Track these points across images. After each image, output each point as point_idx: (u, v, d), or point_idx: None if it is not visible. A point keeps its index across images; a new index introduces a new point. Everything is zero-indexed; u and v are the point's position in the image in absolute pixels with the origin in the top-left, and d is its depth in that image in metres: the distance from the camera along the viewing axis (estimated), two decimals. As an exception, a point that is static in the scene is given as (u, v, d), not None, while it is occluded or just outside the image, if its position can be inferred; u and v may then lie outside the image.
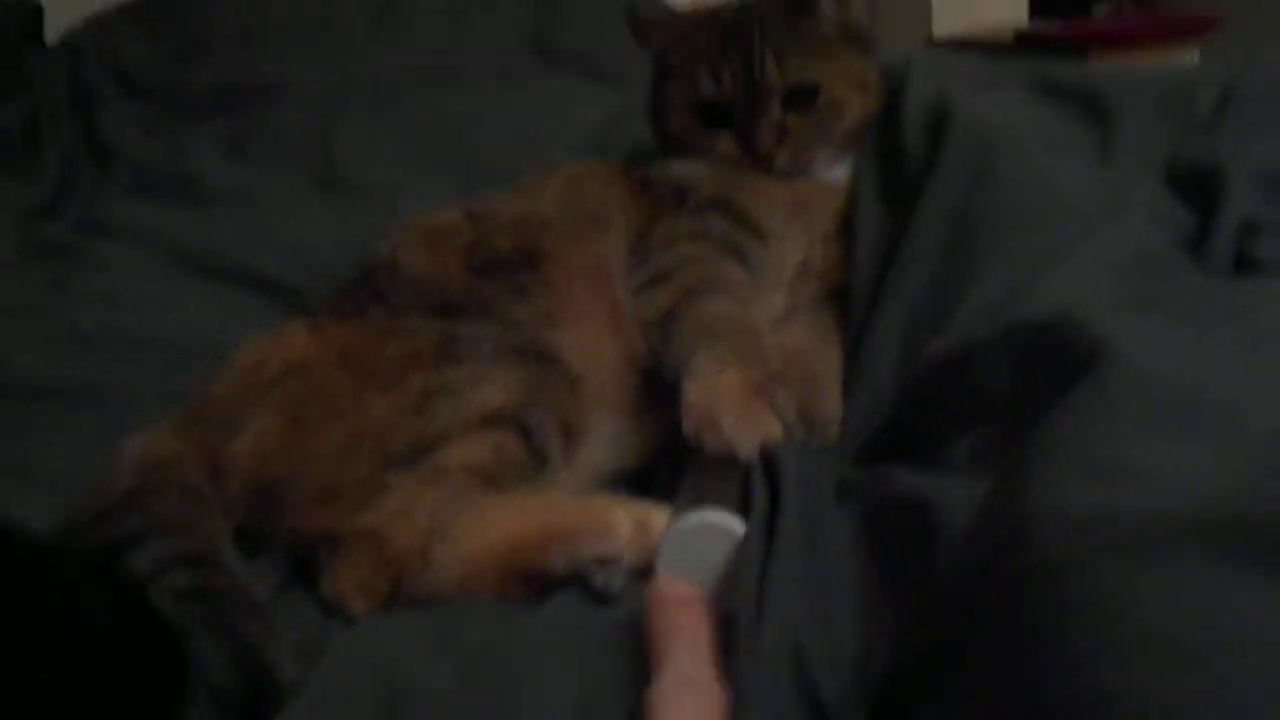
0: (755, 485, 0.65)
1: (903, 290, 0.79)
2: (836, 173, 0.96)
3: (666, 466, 0.82)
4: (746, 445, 0.68)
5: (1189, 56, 2.07)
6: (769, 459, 0.67)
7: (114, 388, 0.95)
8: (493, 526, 0.69)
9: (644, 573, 0.65)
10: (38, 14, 1.80)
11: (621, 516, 0.67)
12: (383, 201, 1.32)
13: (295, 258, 1.21)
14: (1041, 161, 0.80)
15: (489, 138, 1.46)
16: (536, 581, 0.67)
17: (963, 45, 2.16)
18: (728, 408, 0.70)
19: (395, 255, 0.92)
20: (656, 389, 0.84)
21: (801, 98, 0.92)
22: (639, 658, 0.56)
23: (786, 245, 0.92)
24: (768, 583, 0.56)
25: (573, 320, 0.85)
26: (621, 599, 0.65)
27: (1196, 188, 0.74)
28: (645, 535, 0.66)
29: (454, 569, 0.68)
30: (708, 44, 0.94)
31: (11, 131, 1.60)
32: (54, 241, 1.28)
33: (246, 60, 1.74)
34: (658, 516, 0.67)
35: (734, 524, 0.63)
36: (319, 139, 1.51)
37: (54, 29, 1.82)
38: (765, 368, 0.74)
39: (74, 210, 1.43)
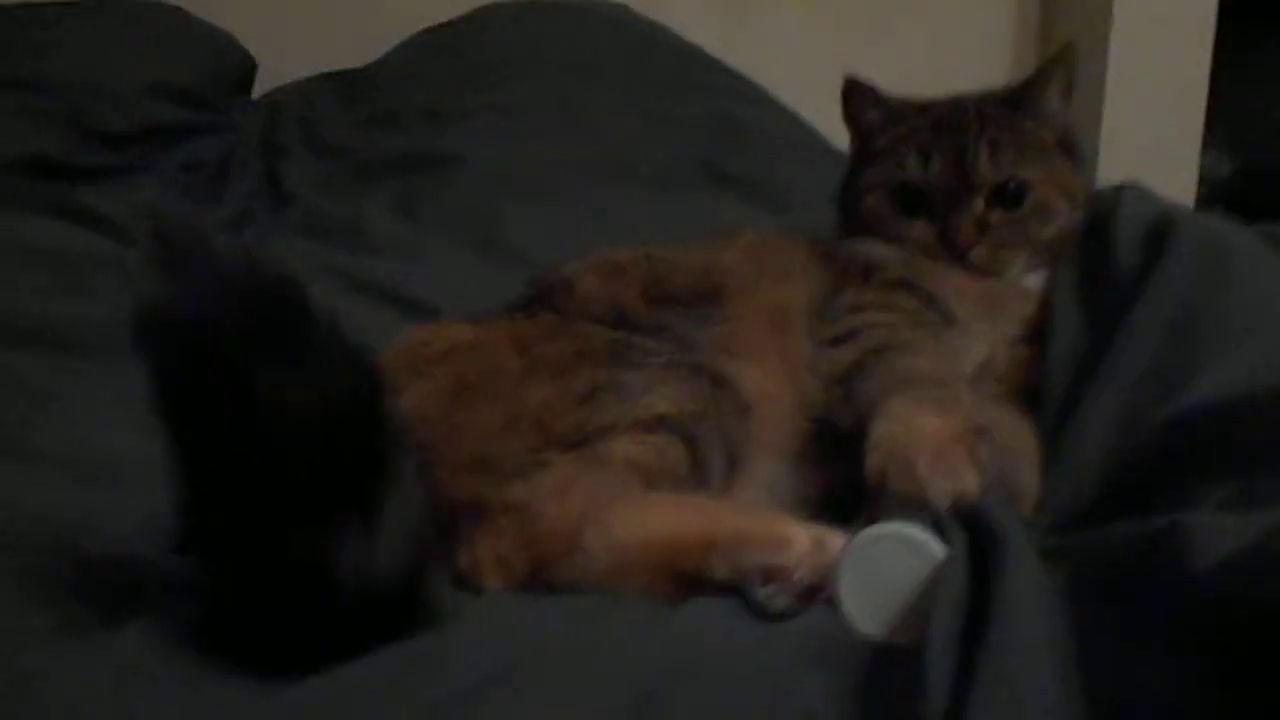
0: (951, 534, 0.58)
1: (1114, 376, 0.73)
2: (1030, 280, 0.91)
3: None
4: (940, 489, 0.62)
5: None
6: (967, 514, 0.60)
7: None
8: (652, 520, 0.64)
9: (812, 596, 0.59)
10: (251, 69, 1.97)
11: (798, 530, 0.61)
12: (539, 269, 1.33)
13: (451, 295, 1.21)
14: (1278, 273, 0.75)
15: (649, 236, 1.45)
16: (690, 585, 0.61)
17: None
18: (923, 449, 0.65)
19: (571, 279, 0.90)
20: (824, 446, 0.78)
21: (1009, 196, 0.89)
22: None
23: (972, 338, 0.88)
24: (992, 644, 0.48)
25: (749, 355, 0.81)
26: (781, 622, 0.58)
27: None
28: (821, 553, 0.59)
29: (603, 558, 0.62)
30: (920, 128, 0.92)
31: (209, 164, 1.75)
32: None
33: (427, 135, 1.80)
34: (836, 538, 0.60)
35: (935, 544, 0.56)
36: (486, 210, 1.54)
37: (264, 85, 1.98)
38: (968, 420, 0.68)
39: (249, 238, 1.51)
